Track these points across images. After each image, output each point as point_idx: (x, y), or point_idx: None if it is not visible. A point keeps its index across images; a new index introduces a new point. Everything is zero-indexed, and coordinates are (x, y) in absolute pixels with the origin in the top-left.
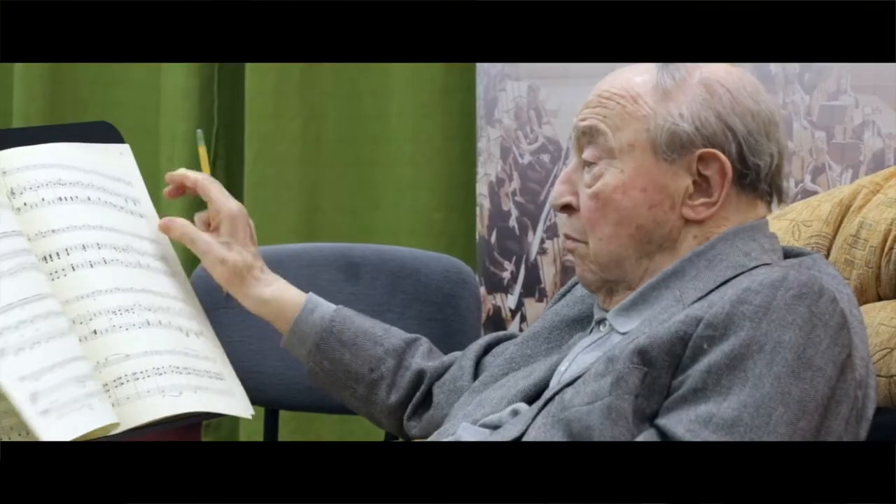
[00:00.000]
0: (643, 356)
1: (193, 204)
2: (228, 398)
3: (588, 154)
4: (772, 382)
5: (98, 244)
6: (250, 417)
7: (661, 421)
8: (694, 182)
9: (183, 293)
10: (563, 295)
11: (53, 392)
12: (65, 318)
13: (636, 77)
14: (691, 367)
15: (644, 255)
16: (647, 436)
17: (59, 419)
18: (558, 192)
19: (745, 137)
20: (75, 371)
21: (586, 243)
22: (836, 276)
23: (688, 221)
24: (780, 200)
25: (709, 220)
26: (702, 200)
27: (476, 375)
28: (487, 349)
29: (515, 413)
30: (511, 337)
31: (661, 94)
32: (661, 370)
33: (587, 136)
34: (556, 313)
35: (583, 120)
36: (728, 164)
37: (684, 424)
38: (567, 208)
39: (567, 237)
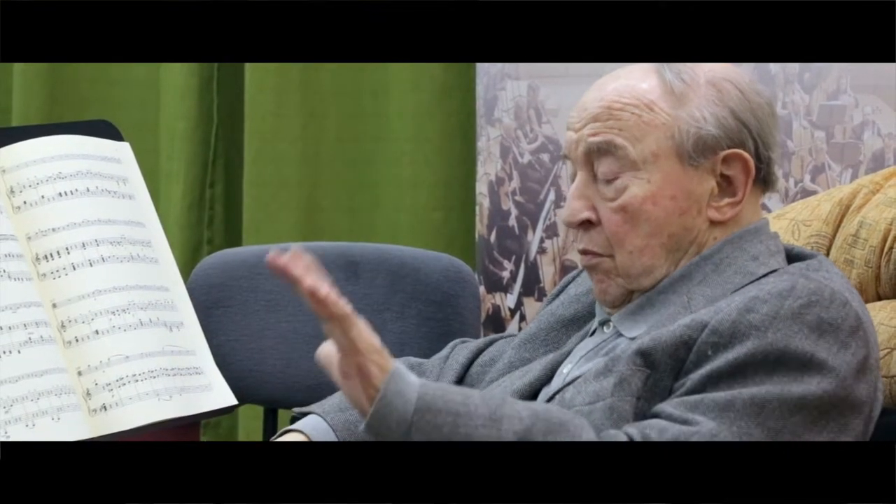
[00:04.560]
0: (646, 358)
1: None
2: (209, 393)
3: (605, 169)
4: (771, 385)
5: (97, 241)
6: (235, 403)
7: (652, 409)
8: (717, 182)
9: (168, 278)
10: (557, 295)
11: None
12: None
13: (640, 84)
14: (693, 372)
15: (673, 262)
16: (633, 425)
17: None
18: (575, 209)
19: (759, 132)
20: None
21: (611, 257)
22: (842, 277)
23: (712, 223)
24: (776, 185)
25: (731, 220)
26: (727, 201)
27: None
28: (468, 366)
29: None
30: (492, 343)
31: (675, 98)
32: (664, 373)
33: (601, 151)
34: (552, 314)
35: (594, 135)
36: (752, 162)
37: (673, 405)
38: (585, 223)
39: (587, 252)
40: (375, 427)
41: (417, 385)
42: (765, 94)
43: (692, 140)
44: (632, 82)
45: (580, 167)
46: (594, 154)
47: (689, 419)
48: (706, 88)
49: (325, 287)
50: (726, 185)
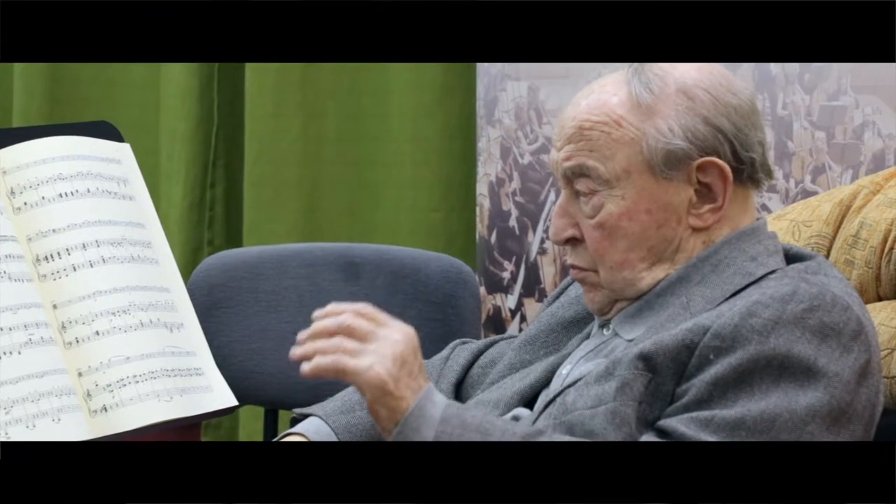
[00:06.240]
0: (647, 362)
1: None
2: (209, 394)
3: (582, 186)
4: (779, 395)
5: (97, 241)
6: (236, 404)
7: (661, 422)
8: (695, 190)
9: (168, 279)
10: (558, 296)
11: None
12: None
13: (610, 98)
14: (696, 377)
15: (661, 271)
16: (647, 438)
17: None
18: (559, 227)
19: (735, 135)
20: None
21: (595, 271)
22: (843, 280)
23: (695, 230)
24: (770, 177)
25: (715, 225)
26: (707, 207)
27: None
28: (468, 368)
29: (516, 419)
30: (492, 344)
31: (643, 111)
32: (666, 377)
33: (575, 173)
34: (552, 315)
35: (567, 159)
36: (727, 168)
37: (684, 423)
38: (571, 241)
39: (574, 267)
40: None
41: (437, 422)
42: (744, 93)
43: (661, 155)
44: (603, 97)
45: (562, 186)
46: (570, 175)
47: (703, 439)
48: (676, 97)
49: (318, 360)
50: (706, 191)
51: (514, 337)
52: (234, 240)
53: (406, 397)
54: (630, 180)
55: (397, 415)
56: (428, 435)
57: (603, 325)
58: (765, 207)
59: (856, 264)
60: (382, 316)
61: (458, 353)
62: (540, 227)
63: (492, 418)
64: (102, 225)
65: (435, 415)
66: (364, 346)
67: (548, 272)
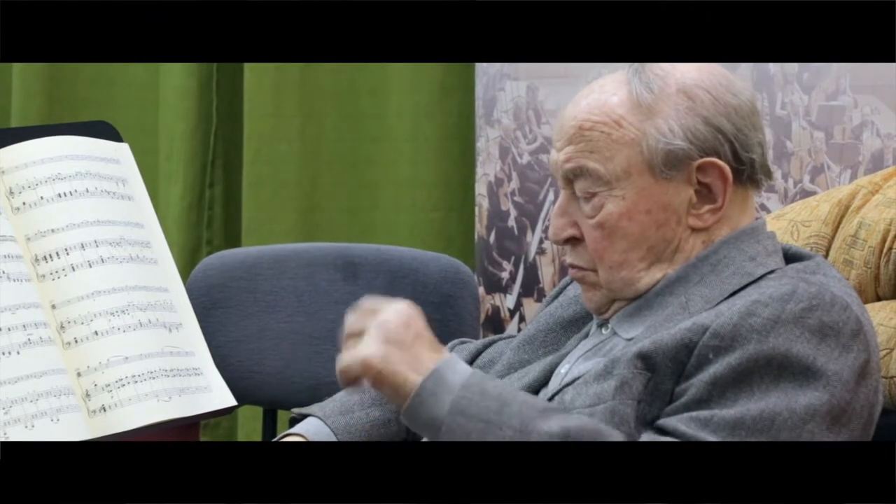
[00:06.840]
0: (646, 361)
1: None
2: (208, 394)
3: (581, 187)
4: (778, 394)
5: (96, 241)
6: (234, 403)
7: (660, 421)
8: (695, 191)
9: (167, 279)
10: (556, 296)
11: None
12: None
13: (611, 98)
14: (695, 376)
15: (659, 272)
16: (646, 437)
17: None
18: (558, 227)
19: (736, 136)
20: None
21: (595, 271)
22: (841, 279)
23: (695, 230)
24: (770, 178)
25: (714, 225)
26: (707, 208)
27: None
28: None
29: None
30: (491, 344)
31: (643, 111)
32: (665, 376)
33: (575, 175)
34: (551, 315)
35: (567, 161)
36: (727, 169)
37: (684, 422)
38: (570, 240)
39: (573, 266)
40: (407, 420)
41: (458, 386)
42: (744, 93)
43: (661, 155)
44: (603, 97)
45: (562, 186)
46: (570, 176)
47: (702, 439)
48: (677, 97)
49: (341, 363)
50: (706, 192)
51: (513, 337)
52: (233, 240)
53: (400, 371)
54: (630, 181)
55: (402, 389)
56: (446, 401)
57: (601, 325)
58: (763, 207)
59: (854, 264)
60: (376, 304)
61: (457, 352)
62: (539, 227)
63: (513, 390)
64: (101, 225)
65: (456, 382)
66: (355, 344)
67: (546, 272)
